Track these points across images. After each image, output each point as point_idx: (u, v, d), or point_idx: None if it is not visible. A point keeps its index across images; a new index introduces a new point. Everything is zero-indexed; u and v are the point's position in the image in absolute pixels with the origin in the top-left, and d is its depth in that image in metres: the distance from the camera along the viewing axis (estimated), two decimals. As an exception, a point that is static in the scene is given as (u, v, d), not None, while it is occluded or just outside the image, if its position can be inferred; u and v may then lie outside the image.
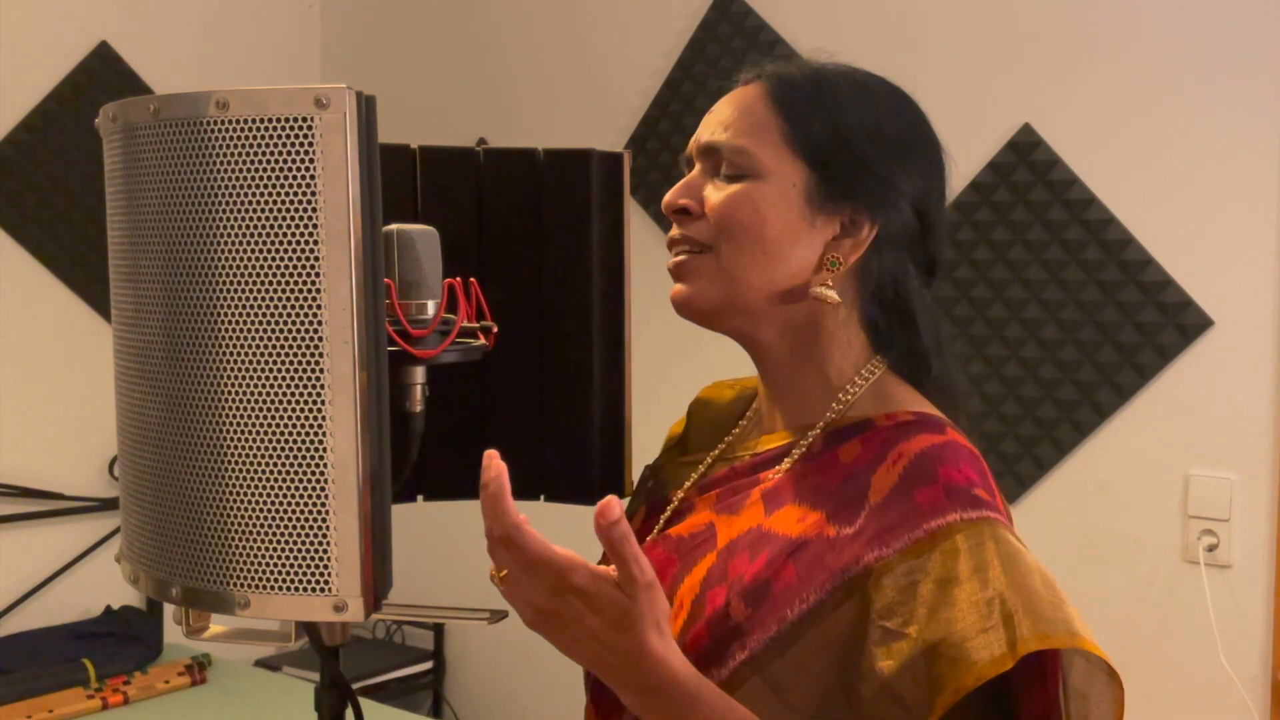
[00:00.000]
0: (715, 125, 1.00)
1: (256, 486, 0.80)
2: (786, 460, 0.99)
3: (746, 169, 0.97)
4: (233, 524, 0.80)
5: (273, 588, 0.80)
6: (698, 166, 1.02)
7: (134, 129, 0.84)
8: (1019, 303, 2.38)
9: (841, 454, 0.96)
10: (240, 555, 0.80)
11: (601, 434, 1.14)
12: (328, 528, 0.79)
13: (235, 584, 0.81)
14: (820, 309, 0.98)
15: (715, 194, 0.98)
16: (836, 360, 1.00)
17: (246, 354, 0.79)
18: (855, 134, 0.97)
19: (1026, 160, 2.36)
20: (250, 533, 0.80)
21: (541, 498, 1.15)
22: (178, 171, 0.80)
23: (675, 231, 1.01)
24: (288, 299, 0.78)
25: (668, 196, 1.01)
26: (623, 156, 1.12)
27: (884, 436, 0.95)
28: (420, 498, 1.15)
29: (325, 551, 0.79)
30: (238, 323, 0.79)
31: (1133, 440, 2.29)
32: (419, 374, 0.95)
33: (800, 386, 1.01)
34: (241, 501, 0.80)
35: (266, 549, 0.80)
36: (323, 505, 0.79)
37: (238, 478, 0.80)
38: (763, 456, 1.02)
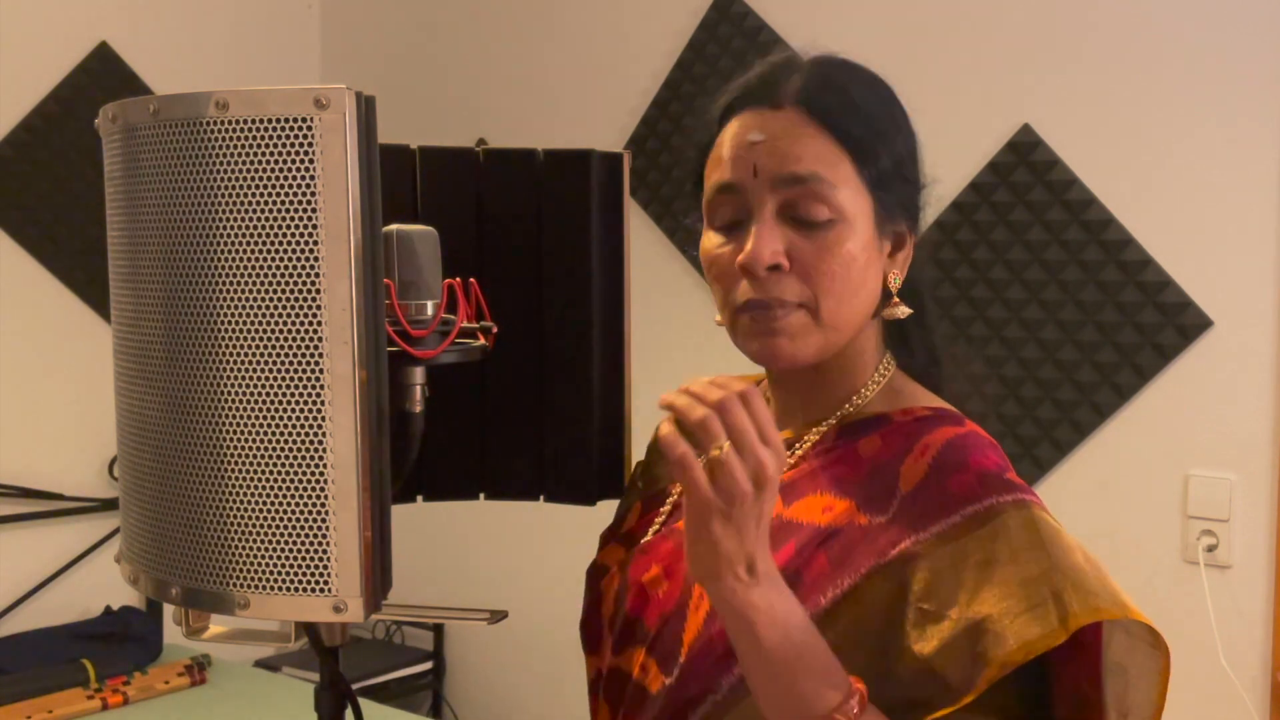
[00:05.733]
0: (781, 157, 0.92)
1: (256, 486, 0.80)
2: (797, 454, 1.00)
3: (833, 209, 0.92)
4: (232, 524, 0.80)
5: (272, 588, 0.80)
6: (768, 209, 0.93)
7: (134, 129, 0.84)
8: (1019, 303, 2.37)
9: (861, 447, 0.97)
10: (240, 555, 0.81)
11: (601, 434, 1.14)
12: (327, 528, 0.79)
13: (235, 584, 0.81)
14: None
15: (808, 247, 0.92)
16: (857, 361, 1.01)
17: (246, 354, 0.79)
18: (904, 156, 0.97)
19: (1026, 161, 2.36)
20: (250, 533, 0.80)
21: (541, 498, 1.15)
22: (177, 172, 0.80)
23: (755, 293, 0.93)
24: (287, 299, 0.78)
25: (753, 254, 0.91)
26: (622, 157, 1.12)
27: (905, 430, 0.97)
28: (420, 498, 1.15)
29: (325, 552, 0.79)
30: (238, 323, 0.79)
31: (1132, 440, 2.29)
32: (419, 374, 0.95)
33: (817, 386, 1.01)
34: (241, 501, 0.80)
35: (266, 549, 0.80)
36: (322, 505, 0.79)
37: (237, 478, 0.80)
38: None
